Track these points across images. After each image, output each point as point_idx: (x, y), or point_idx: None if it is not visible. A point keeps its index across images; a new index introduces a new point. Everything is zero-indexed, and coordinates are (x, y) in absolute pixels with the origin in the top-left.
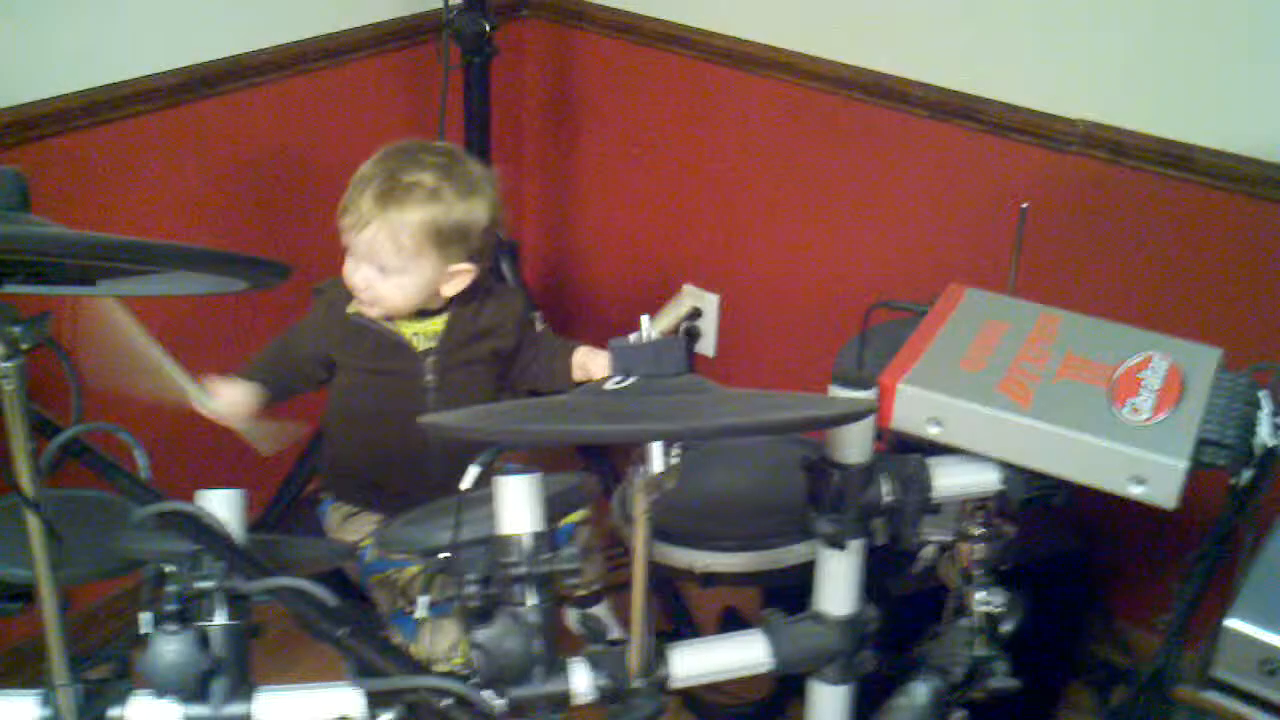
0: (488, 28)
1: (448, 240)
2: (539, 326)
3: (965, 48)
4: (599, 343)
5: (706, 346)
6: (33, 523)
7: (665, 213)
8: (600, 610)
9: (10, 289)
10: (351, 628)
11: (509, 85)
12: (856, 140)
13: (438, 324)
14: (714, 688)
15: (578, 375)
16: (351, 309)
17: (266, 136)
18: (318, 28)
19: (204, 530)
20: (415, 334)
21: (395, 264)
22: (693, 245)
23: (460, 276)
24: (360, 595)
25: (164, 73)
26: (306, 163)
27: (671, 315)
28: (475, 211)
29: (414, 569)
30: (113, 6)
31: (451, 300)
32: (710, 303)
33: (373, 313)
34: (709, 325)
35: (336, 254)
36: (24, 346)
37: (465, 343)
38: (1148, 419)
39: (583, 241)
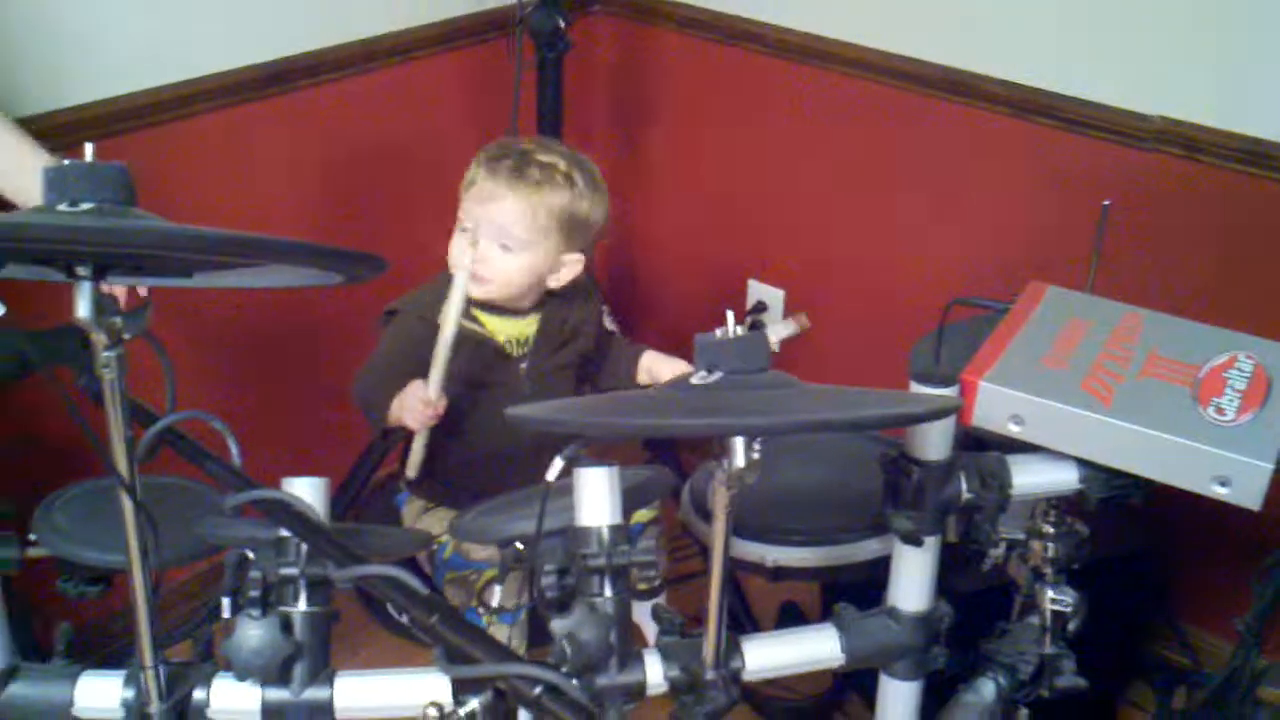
0: (561, 23)
1: (573, 228)
2: (609, 325)
3: (1042, 43)
4: (664, 338)
5: (771, 344)
6: (128, 507)
7: (732, 208)
8: (660, 602)
9: (112, 281)
10: (440, 614)
11: (580, 80)
12: (932, 136)
13: (528, 327)
14: (773, 682)
15: (643, 379)
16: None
17: (339, 133)
18: (390, 24)
19: (293, 516)
20: (508, 339)
21: (522, 240)
22: (759, 240)
23: (570, 268)
24: (433, 591)
25: (238, 69)
26: (380, 158)
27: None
28: (599, 207)
29: (491, 572)
30: (189, 3)
31: (541, 301)
32: (776, 298)
33: (476, 292)
34: (774, 320)
35: (411, 249)
36: (125, 337)
37: (557, 346)
38: (1233, 419)
39: (650, 237)
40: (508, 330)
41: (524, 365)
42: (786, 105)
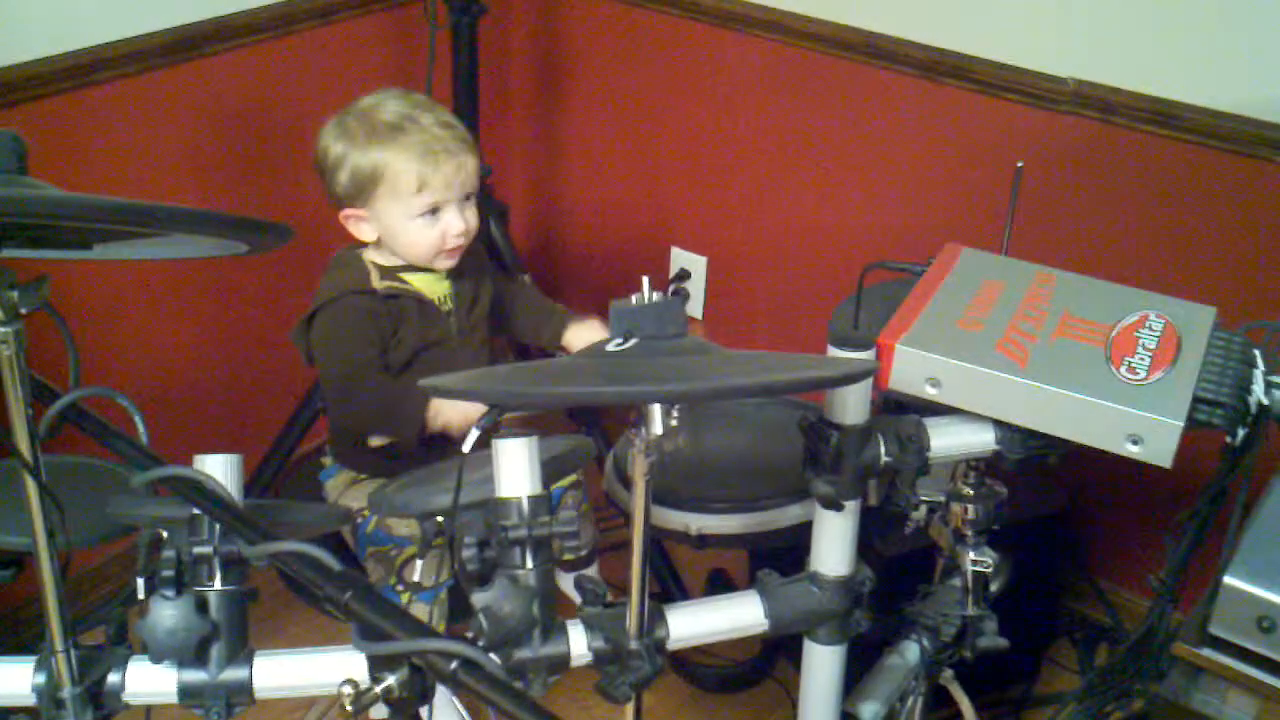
0: None
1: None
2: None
3: (955, 6)
4: (586, 307)
5: (694, 309)
6: (31, 487)
7: (653, 175)
8: (591, 573)
9: (6, 253)
10: (355, 591)
11: (496, 46)
12: (847, 100)
13: (443, 281)
14: (701, 649)
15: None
16: (382, 286)
17: (253, 98)
18: None
19: (205, 494)
20: (434, 297)
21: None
22: (680, 207)
23: None
24: (355, 565)
25: (150, 34)
26: (293, 124)
27: None
28: None
29: (411, 549)
30: None
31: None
32: (698, 264)
33: (449, 262)
34: (697, 288)
35: (325, 215)
36: (22, 311)
37: (471, 298)
38: (1144, 378)
39: (570, 203)
40: (432, 288)
41: (452, 320)
42: (702, 69)
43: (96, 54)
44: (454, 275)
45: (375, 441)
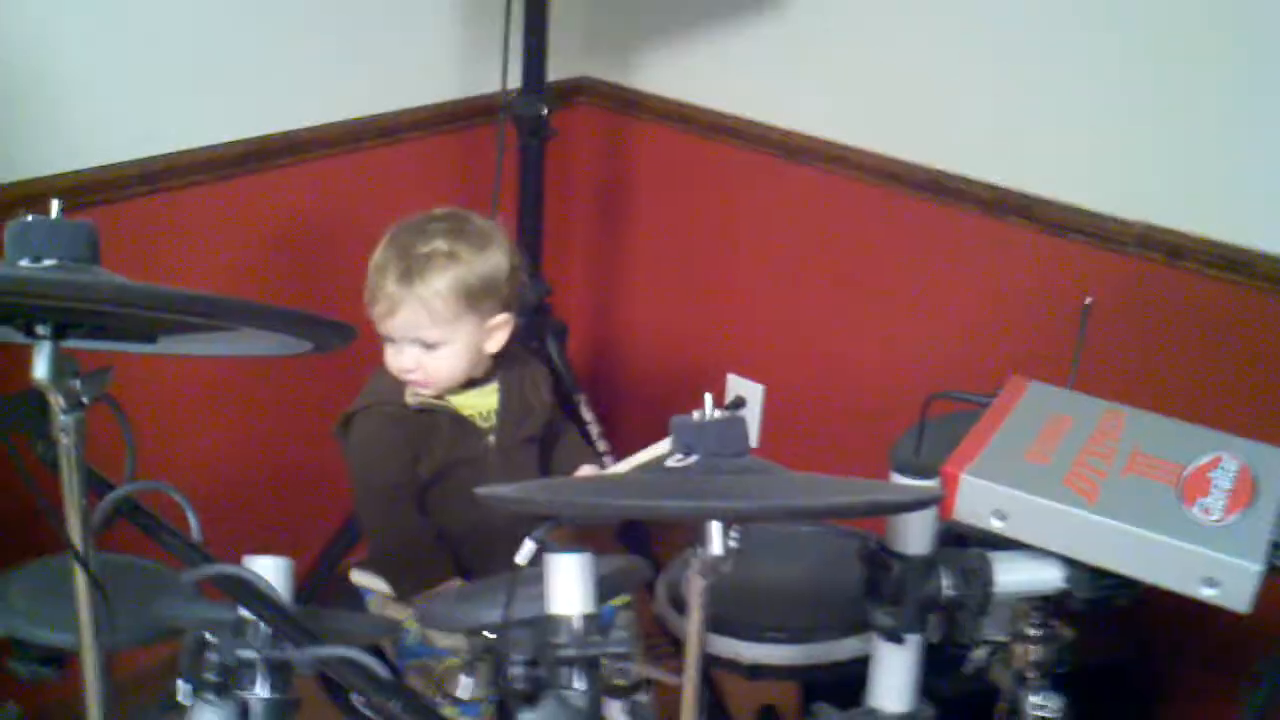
0: (545, 111)
1: (478, 297)
2: (583, 410)
3: (1020, 146)
4: (642, 431)
5: (750, 437)
6: (81, 579)
7: (712, 301)
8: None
9: (72, 344)
10: (403, 702)
11: (562, 169)
12: (910, 235)
13: (488, 397)
14: None
15: None
16: (411, 398)
17: (318, 212)
18: (375, 107)
19: (256, 595)
20: (474, 413)
21: (436, 336)
22: (739, 334)
23: (500, 330)
24: (396, 678)
25: (222, 144)
26: (358, 239)
27: (647, 456)
28: (494, 260)
29: (454, 661)
30: (175, 78)
31: (496, 369)
32: (755, 392)
33: (427, 393)
34: (753, 415)
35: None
36: (84, 401)
37: (520, 416)
38: (1219, 519)
39: (629, 326)
40: (472, 403)
41: (492, 438)
42: (765, 199)
43: (172, 161)
44: (505, 390)
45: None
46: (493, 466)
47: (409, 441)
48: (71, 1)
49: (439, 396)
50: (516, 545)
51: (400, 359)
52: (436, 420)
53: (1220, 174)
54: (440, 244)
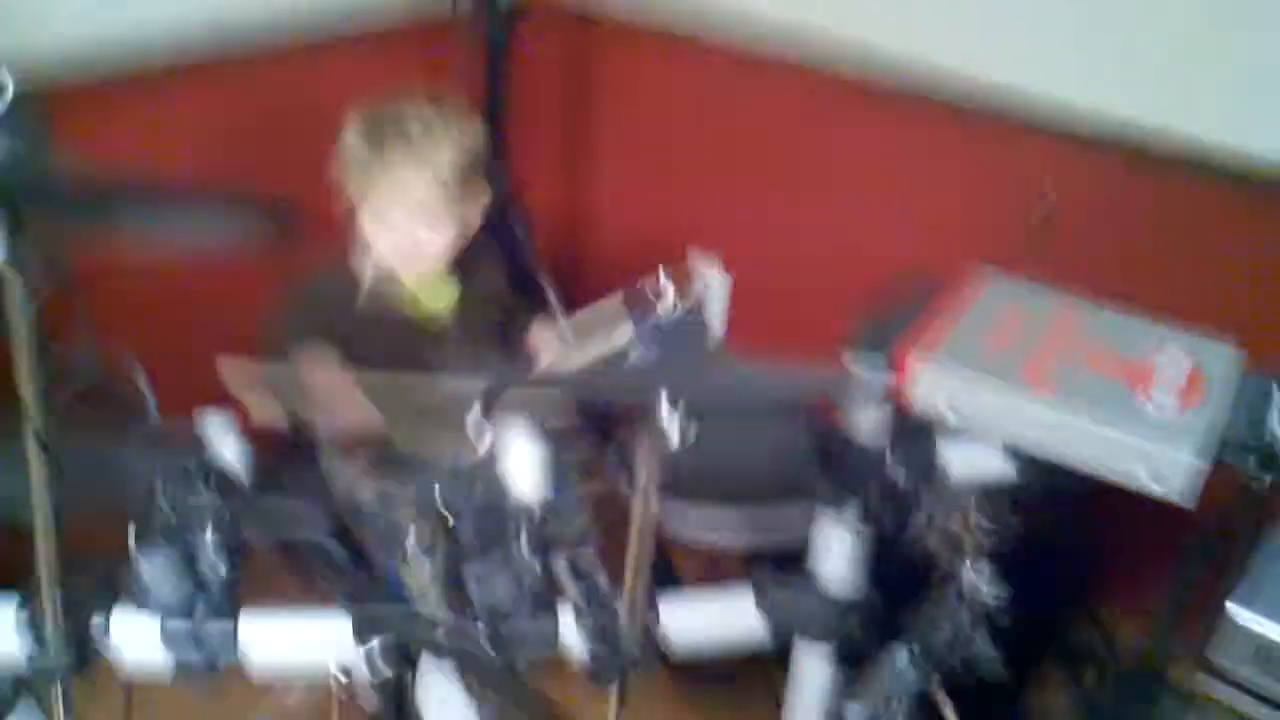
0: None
1: (475, 166)
2: (545, 287)
3: (985, 36)
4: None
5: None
6: (37, 457)
7: (677, 198)
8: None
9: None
10: (346, 559)
11: (528, 64)
12: (874, 125)
13: (451, 287)
14: None
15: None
16: (364, 303)
17: (273, 119)
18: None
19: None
20: (429, 310)
21: (444, 210)
22: (703, 227)
23: (481, 200)
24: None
25: (175, 49)
26: (323, 135)
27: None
28: (479, 130)
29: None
30: None
31: (456, 263)
32: (718, 277)
33: (421, 267)
34: (716, 307)
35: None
36: (42, 285)
37: (480, 303)
38: (1171, 414)
39: (594, 208)
40: (433, 294)
41: (451, 343)
42: (729, 99)
43: (123, 62)
44: (464, 284)
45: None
46: (450, 360)
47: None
48: None
49: (394, 283)
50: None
51: (397, 240)
52: (377, 327)
53: (1182, 67)
54: (432, 115)
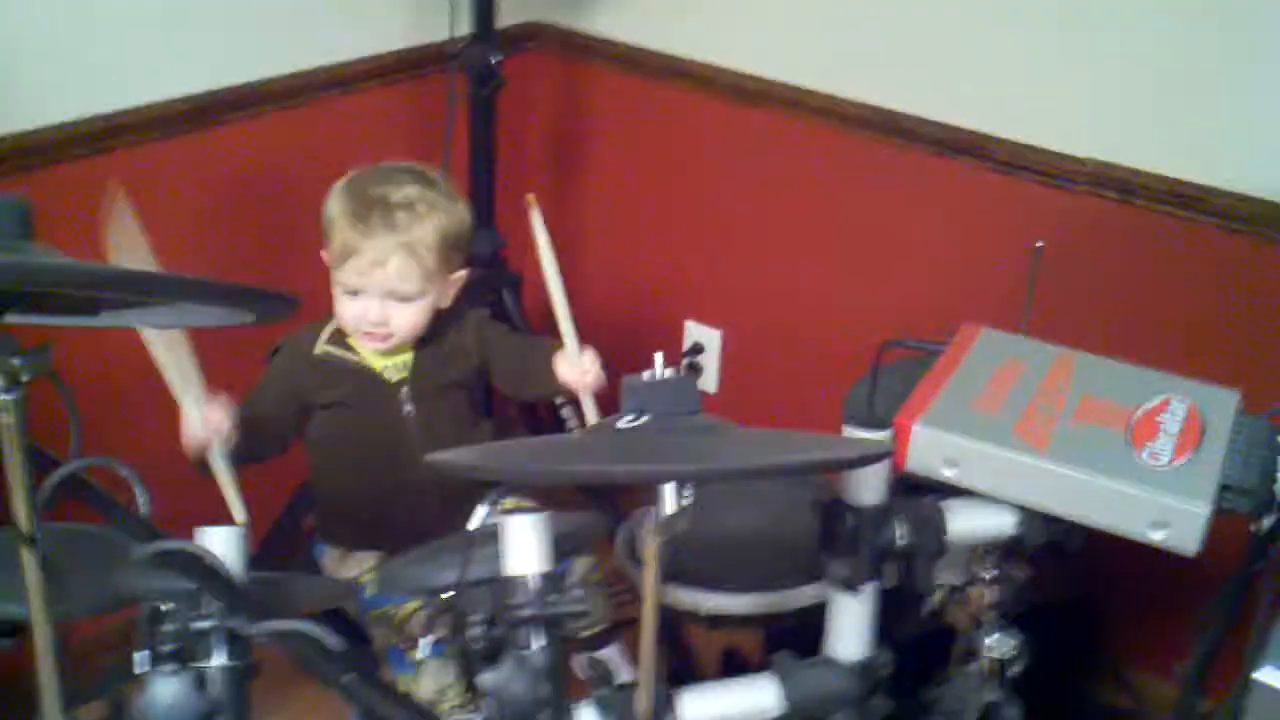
0: (495, 60)
1: (454, 247)
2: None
3: (974, 86)
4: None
5: (708, 383)
6: (28, 558)
7: (670, 247)
8: (611, 652)
9: (11, 319)
10: (355, 672)
11: (516, 118)
12: (865, 177)
13: (407, 354)
14: None
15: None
16: (320, 350)
17: (270, 167)
18: (324, 58)
19: (205, 569)
20: (385, 366)
21: (416, 288)
22: (696, 280)
23: (456, 283)
24: (358, 631)
25: (169, 101)
26: (311, 193)
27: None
28: (464, 210)
29: (412, 605)
30: (118, 34)
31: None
32: (713, 339)
33: (384, 345)
34: (711, 363)
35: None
36: (24, 379)
37: (436, 367)
38: (1168, 463)
39: (586, 275)
40: (385, 361)
41: (404, 389)
42: (720, 144)
43: (114, 120)
44: (419, 346)
45: None
46: (405, 415)
47: (295, 386)
48: None
49: (346, 346)
50: (449, 500)
51: (368, 312)
52: (337, 372)
53: (1170, 108)
54: (414, 192)
